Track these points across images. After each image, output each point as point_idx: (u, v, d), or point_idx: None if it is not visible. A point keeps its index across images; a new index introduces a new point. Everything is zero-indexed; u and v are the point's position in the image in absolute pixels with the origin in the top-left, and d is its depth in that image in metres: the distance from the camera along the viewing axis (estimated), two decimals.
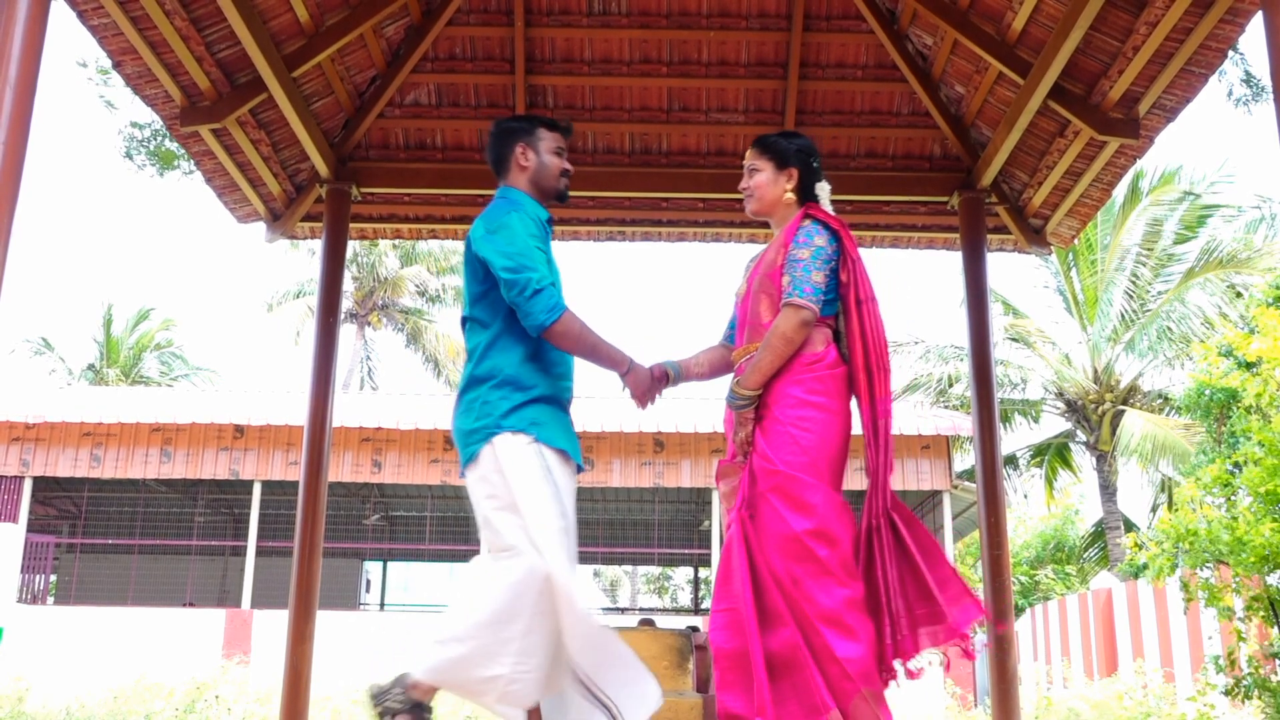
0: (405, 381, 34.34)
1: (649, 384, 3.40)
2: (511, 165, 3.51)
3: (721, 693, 3.16)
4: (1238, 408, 12.60)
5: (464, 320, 3.42)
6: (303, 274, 30.60)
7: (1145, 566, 8.22)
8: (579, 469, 3.32)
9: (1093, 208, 6.07)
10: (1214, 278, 18.40)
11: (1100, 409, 19.89)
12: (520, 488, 3.12)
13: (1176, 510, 7.94)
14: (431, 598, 25.96)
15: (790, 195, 3.51)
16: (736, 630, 3.15)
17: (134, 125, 11.32)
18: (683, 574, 31.43)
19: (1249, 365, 9.88)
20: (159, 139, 11.22)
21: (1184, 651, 12.36)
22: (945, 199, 6.28)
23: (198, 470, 17.40)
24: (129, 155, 11.51)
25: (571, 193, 3.76)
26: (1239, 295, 17.78)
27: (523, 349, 3.27)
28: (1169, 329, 18.74)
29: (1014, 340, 20.80)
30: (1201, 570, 7.82)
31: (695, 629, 4.11)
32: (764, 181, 3.52)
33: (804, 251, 3.33)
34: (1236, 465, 8.24)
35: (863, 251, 3.47)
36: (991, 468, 5.81)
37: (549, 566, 3.03)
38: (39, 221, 68.25)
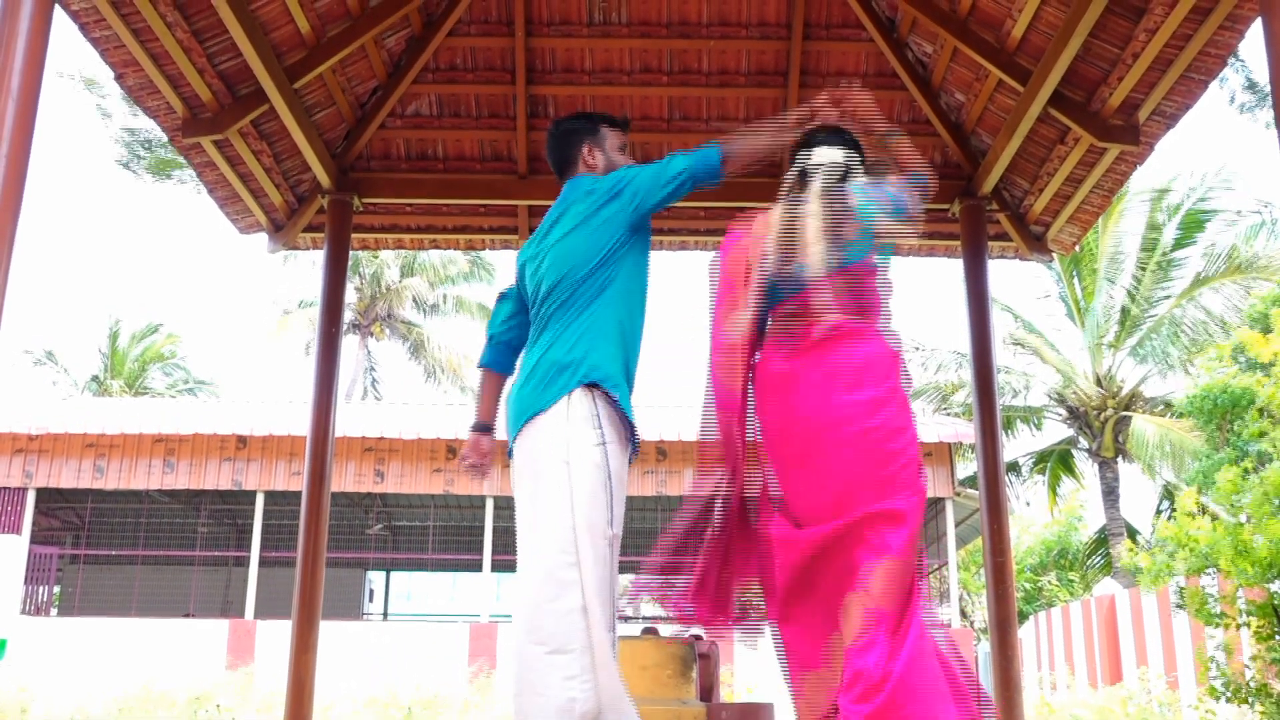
0: (408, 392, 34.30)
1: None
2: (579, 166, 3.44)
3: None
4: (1250, 409, 12.55)
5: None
6: (306, 285, 30.68)
7: (1141, 570, 8.18)
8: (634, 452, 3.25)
9: (1093, 214, 6.08)
10: (1229, 282, 18.35)
11: (1103, 415, 19.88)
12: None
13: (1177, 516, 7.92)
14: (435, 607, 25.93)
15: None
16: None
17: (127, 131, 11.37)
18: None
19: (1262, 366, 9.83)
20: (153, 148, 11.28)
21: (1188, 658, 12.33)
22: (946, 206, 6.28)
23: (201, 481, 17.41)
24: (126, 164, 11.57)
25: None
26: (1254, 292, 17.70)
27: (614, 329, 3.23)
28: (1179, 333, 18.69)
29: (1016, 346, 20.80)
30: (1201, 579, 7.81)
31: (698, 637, 4.10)
32: None
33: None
34: (1246, 471, 8.20)
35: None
36: (994, 475, 5.81)
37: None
38: (44, 234, 68.35)
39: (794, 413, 3.16)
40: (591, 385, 3.08)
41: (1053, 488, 21.76)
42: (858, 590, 2.97)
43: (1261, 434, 7.69)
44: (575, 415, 3.05)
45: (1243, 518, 7.60)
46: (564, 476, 3.01)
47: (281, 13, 5.19)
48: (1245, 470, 8.21)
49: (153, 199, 79.36)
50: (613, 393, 3.08)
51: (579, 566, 2.97)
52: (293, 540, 8.18)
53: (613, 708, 2.98)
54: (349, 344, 29.87)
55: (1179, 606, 7.83)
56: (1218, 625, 7.66)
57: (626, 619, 26.18)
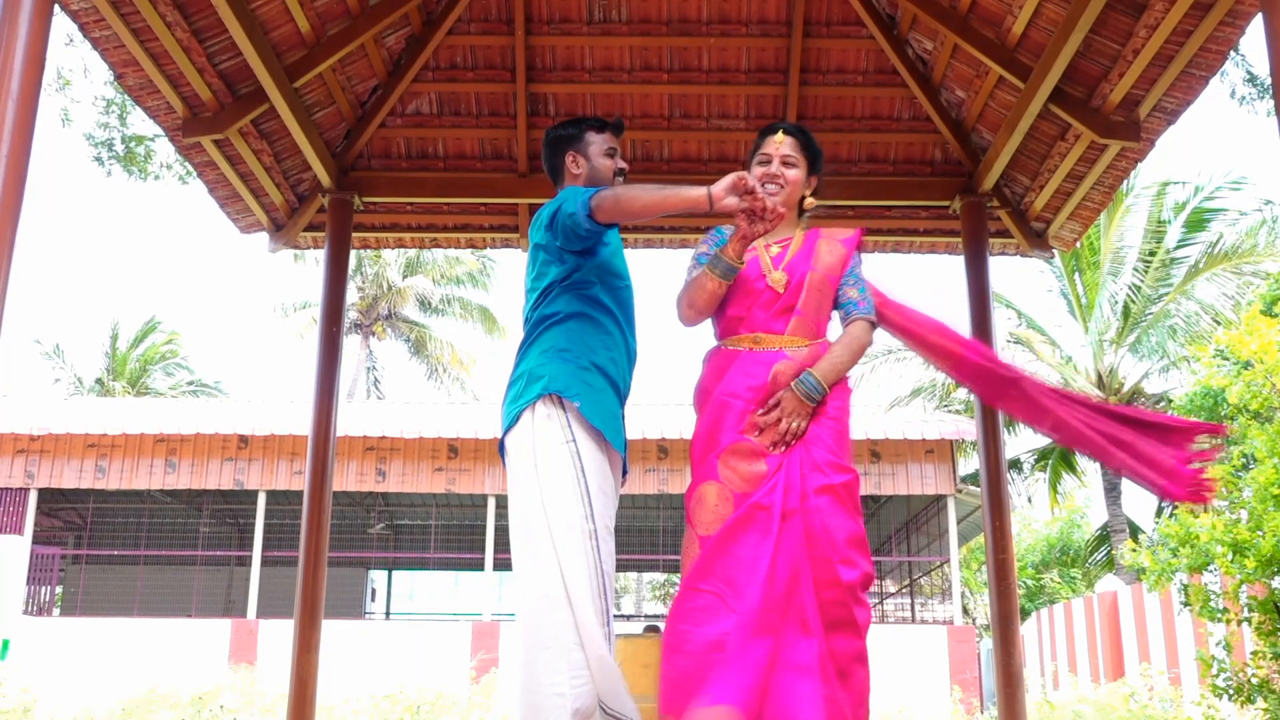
0: (409, 391, 34.35)
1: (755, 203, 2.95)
2: (565, 175, 3.47)
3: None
4: (1228, 408, 12.53)
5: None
6: (308, 285, 30.72)
7: (1145, 571, 8.16)
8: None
9: (1094, 211, 6.07)
10: (1223, 271, 18.28)
11: None
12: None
13: (1179, 513, 7.91)
14: (436, 606, 25.94)
15: (811, 200, 3.46)
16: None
17: (99, 126, 11.31)
18: None
19: (1246, 365, 9.85)
20: (127, 144, 11.23)
21: (1190, 655, 12.34)
22: (947, 203, 6.27)
23: (202, 481, 17.44)
24: (98, 160, 11.55)
25: None
26: (1249, 285, 17.63)
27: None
28: (1175, 328, 18.65)
29: (1017, 343, 20.78)
30: (1203, 576, 7.80)
31: None
32: (798, 180, 3.40)
33: (863, 271, 3.44)
34: (1235, 469, 8.17)
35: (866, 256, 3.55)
36: (996, 472, 5.80)
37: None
38: (45, 235, 68.37)
39: None
40: (553, 395, 3.14)
41: (1054, 484, 21.75)
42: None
43: (1245, 434, 7.67)
44: (540, 421, 3.14)
45: (1241, 514, 7.58)
46: (534, 480, 3.10)
47: (281, 12, 5.19)
48: (1234, 468, 8.16)
49: (153, 200, 79.35)
50: (573, 401, 3.12)
51: (559, 564, 3.00)
52: (294, 540, 8.19)
53: (611, 703, 2.98)
54: (350, 343, 29.90)
55: (1184, 605, 7.80)
56: (1220, 621, 7.65)
57: (628, 618, 26.22)
